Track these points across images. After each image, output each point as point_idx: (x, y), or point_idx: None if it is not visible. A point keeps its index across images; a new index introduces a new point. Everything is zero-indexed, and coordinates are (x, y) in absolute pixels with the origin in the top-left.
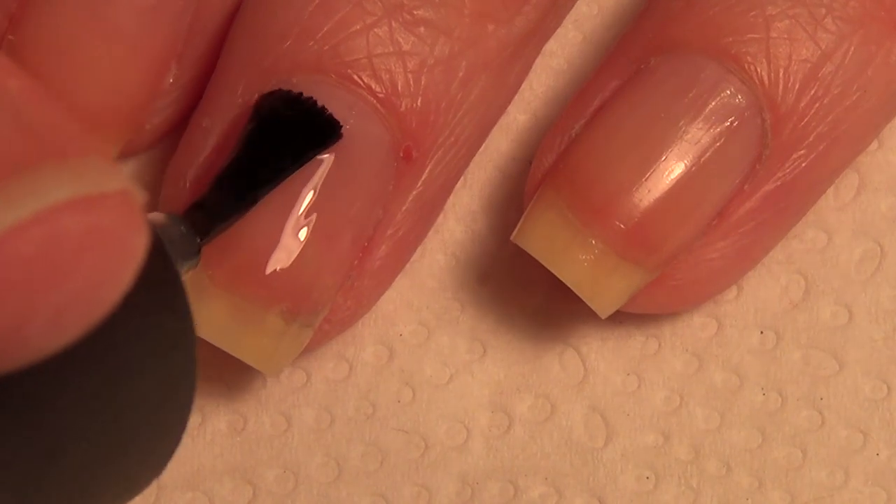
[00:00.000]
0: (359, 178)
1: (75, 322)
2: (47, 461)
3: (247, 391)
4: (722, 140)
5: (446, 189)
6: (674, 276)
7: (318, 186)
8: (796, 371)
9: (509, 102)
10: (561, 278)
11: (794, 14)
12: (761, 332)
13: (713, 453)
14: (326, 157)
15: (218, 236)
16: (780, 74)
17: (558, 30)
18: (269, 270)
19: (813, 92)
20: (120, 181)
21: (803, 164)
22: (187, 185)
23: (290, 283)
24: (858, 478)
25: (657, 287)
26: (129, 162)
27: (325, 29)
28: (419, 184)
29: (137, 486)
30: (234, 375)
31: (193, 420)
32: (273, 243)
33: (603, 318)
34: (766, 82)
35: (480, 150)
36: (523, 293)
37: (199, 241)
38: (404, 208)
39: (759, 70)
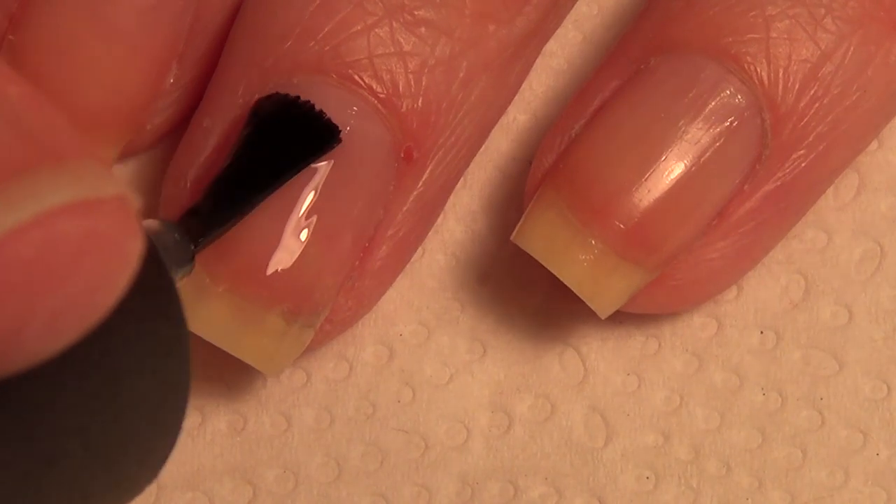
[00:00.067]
0: (360, 178)
1: (72, 326)
2: (45, 464)
3: (247, 391)
4: (722, 140)
5: (447, 189)
6: (674, 276)
7: (319, 187)
8: (796, 371)
9: (509, 103)
10: (561, 278)
11: (793, 14)
12: (761, 332)
13: (713, 453)
14: (323, 165)
15: (213, 242)
16: (780, 74)
17: (558, 30)
18: (270, 271)
19: (813, 92)
20: (116, 186)
21: (803, 164)
22: (188, 185)
23: (292, 283)
24: (858, 478)
25: (657, 287)
26: (129, 162)
27: (326, 29)
28: (420, 184)
29: (134, 488)
30: (234, 375)
31: (193, 420)
32: (274, 244)
33: (603, 318)
34: (766, 82)
35: (480, 150)
36: (523, 293)
37: (192, 248)
38: (405, 208)
39: (758, 70)
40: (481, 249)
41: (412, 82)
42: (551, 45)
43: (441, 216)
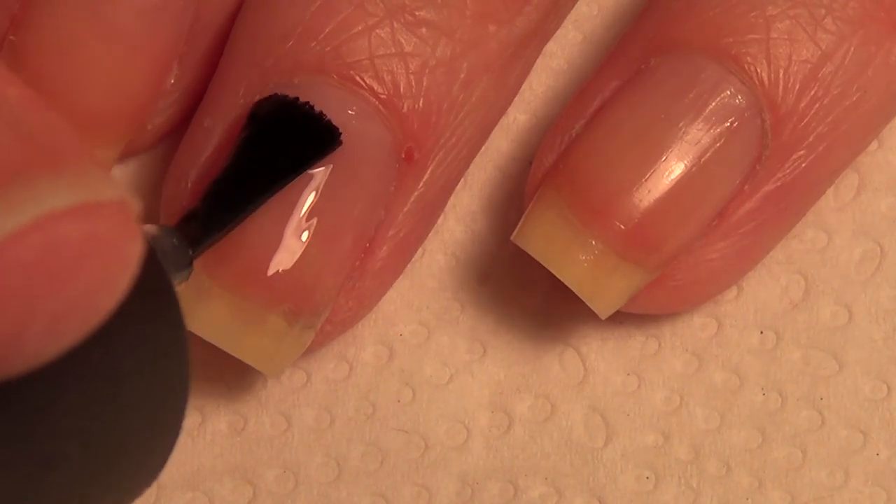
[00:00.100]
0: (361, 179)
1: (72, 328)
2: (45, 467)
3: (247, 391)
4: (722, 140)
5: (447, 190)
6: (674, 276)
7: (320, 187)
8: (796, 371)
9: (510, 103)
10: (561, 278)
11: (794, 15)
12: (761, 332)
13: (713, 453)
14: (321, 171)
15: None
16: (781, 75)
17: (558, 30)
18: (271, 271)
19: (813, 92)
20: (116, 190)
21: (803, 165)
22: (189, 185)
23: (293, 284)
24: (858, 478)
25: (657, 287)
26: (130, 162)
27: (328, 30)
28: (421, 185)
29: (133, 490)
30: (235, 376)
31: (193, 420)
32: (275, 244)
33: (603, 318)
34: (767, 83)
35: (480, 150)
36: (523, 293)
37: (190, 252)
38: (406, 209)
39: (759, 70)
40: (481, 249)
41: (413, 83)
42: (551, 45)
43: (441, 216)
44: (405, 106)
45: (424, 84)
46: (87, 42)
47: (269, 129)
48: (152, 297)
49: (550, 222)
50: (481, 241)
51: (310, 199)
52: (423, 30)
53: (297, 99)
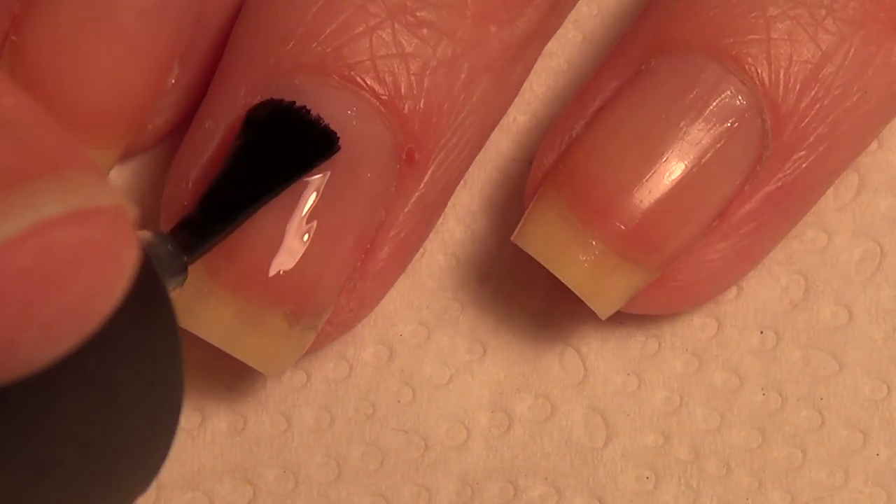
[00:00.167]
0: (361, 180)
1: (68, 334)
2: (40, 473)
3: (247, 391)
4: (722, 141)
5: (448, 190)
6: (674, 276)
7: (321, 188)
8: (796, 371)
9: (510, 103)
10: (561, 279)
11: (794, 15)
12: (761, 332)
13: (713, 453)
14: (319, 177)
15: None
16: (781, 75)
17: (558, 30)
18: (272, 273)
19: (813, 93)
20: (113, 196)
21: (803, 165)
22: (190, 185)
23: (294, 285)
24: (858, 478)
25: (658, 288)
26: (130, 162)
27: (329, 31)
28: (421, 185)
29: (128, 495)
30: (235, 376)
31: (193, 420)
32: (276, 245)
33: (603, 318)
34: (767, 83)
35: (481, 150)
36: (523, 293)
37: (185, 259)
38: (406, 210)
39: (759, 71)
40: (481, 249)
41: (414, 84)
42: (551, 46)
43: (441, 216)
44: (406, 107)
45: (425, 85)
46: (87, 42)
47: (265, 135)
48: (147, 304)
49: (550, 222)
50: (481, 241)
51: (311, 200)
52: (424, 31)
53: (294, 104)
